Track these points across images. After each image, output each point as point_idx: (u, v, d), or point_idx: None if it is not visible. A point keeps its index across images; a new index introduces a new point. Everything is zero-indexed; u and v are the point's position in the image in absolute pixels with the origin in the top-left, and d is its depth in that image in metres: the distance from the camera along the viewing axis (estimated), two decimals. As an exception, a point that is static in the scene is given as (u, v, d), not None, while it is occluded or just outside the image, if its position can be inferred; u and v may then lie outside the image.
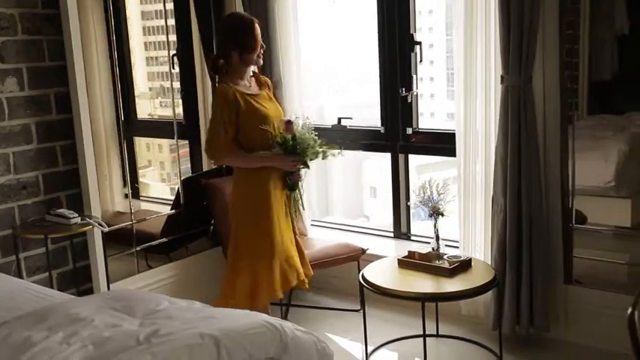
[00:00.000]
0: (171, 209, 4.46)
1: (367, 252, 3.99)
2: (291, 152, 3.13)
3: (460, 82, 3.60)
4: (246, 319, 2.16)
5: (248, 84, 3.26)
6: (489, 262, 3.50)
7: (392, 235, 4.47)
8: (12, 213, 3.55)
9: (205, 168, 4.66)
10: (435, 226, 3.38)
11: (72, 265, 3.81)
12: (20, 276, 3.55)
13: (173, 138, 4.46)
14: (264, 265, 3.18)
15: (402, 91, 4.17)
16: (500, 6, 3.24)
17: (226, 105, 3.11)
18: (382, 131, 4.33)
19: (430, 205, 3.36)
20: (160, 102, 4.72)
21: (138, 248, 4.10)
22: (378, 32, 4.24)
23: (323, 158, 3.25)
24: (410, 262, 3.37)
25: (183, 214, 4.39)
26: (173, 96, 4.57)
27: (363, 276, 3.35)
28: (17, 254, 3.55)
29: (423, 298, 3.11)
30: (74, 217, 3.51)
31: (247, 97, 3.19)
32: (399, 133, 4.26)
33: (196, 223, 4.56)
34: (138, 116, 4.57)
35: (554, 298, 3.44)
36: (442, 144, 4.07)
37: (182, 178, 4.48)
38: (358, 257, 3.99)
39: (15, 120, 3.53)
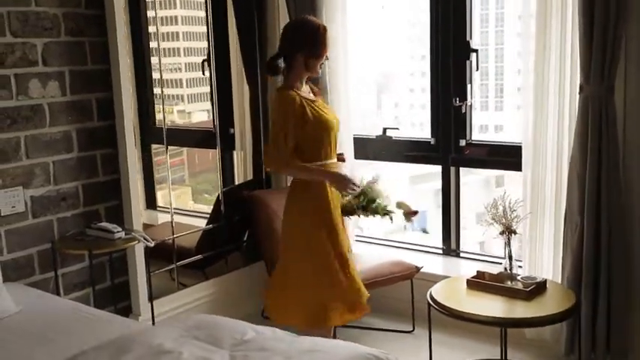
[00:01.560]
0: (209, 223, 4.23)
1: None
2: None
3: (529, 91, 3.40)
4: (349, 351, 1.94)
5: (307, 90, 3.06)
6: (560, 282, 3.29)
7: (441, 251, 4.25)
8: (51, 226, 3.30)
9: (239, 179, 4.42)
10: (508, 245, 3.16)
11: (110, 282, 3.56)
12: (58, 293, 3.31)
13: (205, 147, 4.22)
14: (333, 290, 2.98)
15: (456, 100, 3.97)
16: (581, 6, 3.03)
17: (292, 112, 2.90)
18: (432, 143, 4.12)
19: (503, 222, 3.15)
20: (186, 109, 4.50)
21: (178, 264, 3.86)
22: (431, 38, 4.03)
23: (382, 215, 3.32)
24: (480, 283, 3.15)
25: (223, 228, 4.16)
26: (212, 101, 4.29)
27: (431, 297, 3.13)
28: (56, 270, 3.30)
29: (503, 323, 2.89)
30: (118, 232, 3.26)
31: (311, 104, 2.98)
32: (451, 144, 4.05)
33: (236, 237, 4.34)
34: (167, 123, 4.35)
35: (632, 322, 3.23)
36: (501, 157, 3.88)
37: (223, 189, 4.24)
38: (412, 276, 3.77)
39: (56, 127, 3.29)
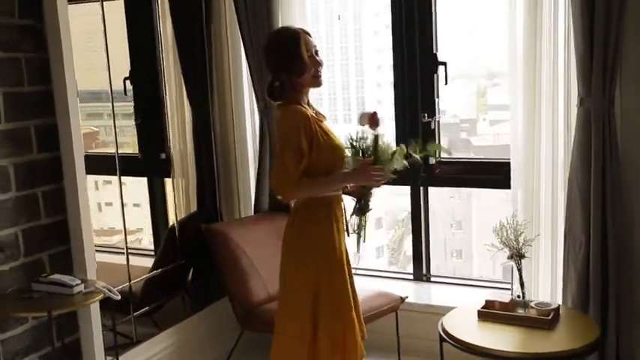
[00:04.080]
0: (159, 263, 3.71)
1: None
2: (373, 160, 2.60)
3: (517, 104, 3.24)
4: None
5: (312, 109, 2.65)
6: (563, 304, 3.13)
7: (411, 277, 4.00)
8: (-15, 284, 2.68)
9: (181, 211, 3.91)
10: (518, 270, 2.96)
11: (56, 344, 2.95)
12: (-3, 366, 2.69)
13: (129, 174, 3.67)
14: (345, 324, 2.62)
15: (425, 117, 3.74)
16: (580, 14, 2.89)
17: (303, 125, 2.48)
18: (399, 162, 3.86)
19: (512, 246, 2.94)
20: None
21: (136, 314, 3.32)
22: (394, 50, 3.79)
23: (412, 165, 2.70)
24: (495, 314, 2.91)
25: (180, 267, 3.67)
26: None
27: (445, 331, 2.85)
28: (-6, 338, 2.68)
29: (538, 359, 2.65)
30: (77, 285, 2.70)
31: (322, 125, 2.60)
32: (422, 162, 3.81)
33: (183, 277, 3.85)
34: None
35: (634, 343, 3.13)
36: (475, 174, 3.70)
37: (173, 223, 3.75)
38: (398, 307, 3.48)
39: (-11, 162, 2.69)
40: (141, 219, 3.98)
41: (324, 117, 2.68)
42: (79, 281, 2.73)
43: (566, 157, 3.15)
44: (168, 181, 4.01)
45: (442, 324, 2.92)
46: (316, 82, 2.61)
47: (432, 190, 3.91)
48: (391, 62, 3.76)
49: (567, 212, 3.12)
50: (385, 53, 3.85)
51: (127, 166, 3.51)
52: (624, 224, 3.04)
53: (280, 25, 3.60)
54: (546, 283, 3.30)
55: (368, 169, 2.56)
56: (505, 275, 4.25)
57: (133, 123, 3.74)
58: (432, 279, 3.98)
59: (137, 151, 3.86)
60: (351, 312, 2.63)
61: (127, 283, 3.34)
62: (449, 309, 3.39)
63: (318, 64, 2.59)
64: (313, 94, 2.75)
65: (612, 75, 2.93)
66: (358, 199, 2.72)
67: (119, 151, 3.44)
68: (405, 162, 2.65)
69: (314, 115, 2.58)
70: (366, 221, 2.76)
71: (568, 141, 3.15)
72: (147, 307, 3.50)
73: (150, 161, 3.93)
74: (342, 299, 2.62)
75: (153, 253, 3.92)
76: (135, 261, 3.68)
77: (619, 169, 3.01)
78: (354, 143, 2.62)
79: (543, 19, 3.10)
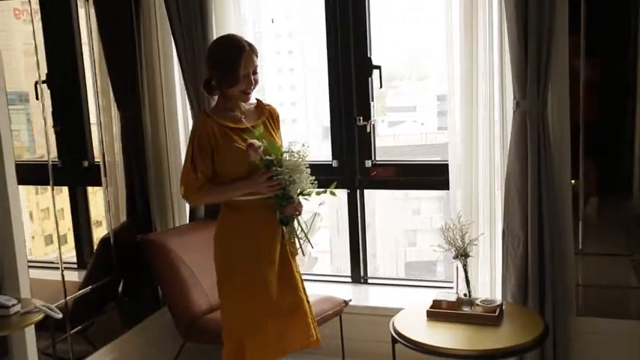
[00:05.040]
0: (92, 277, 3.53)
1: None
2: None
3: (454, 109, 3.33)
4: None
5: (240, 115, 2.69)
6: (503, 300, 3.24)
7: (350, 279, 4.02)
8: None
9: (111, 221, 3.72)
10: (464, 270, 3.03)
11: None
12: None
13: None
14: (251, 326, 2.67)
15: (360, 120, 3.78)
16: (514, 20, 3.01)
17: (198, 139, 2.63)
18: (335, 165, 3.88)
19: (457, 246, 3.01)
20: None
21: (73, 332, 3.14)
22: (329, 55, 3.80)
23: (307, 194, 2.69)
24: (443, 313, 2.97)
25: (114, 281, 3.51)
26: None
27: (397, 333, 2.89)
28: None
29: (495, 356, 2.72)
30: (14, 305, 2.53)
31: (228, 130, 2.62)
32: (356, 166, 3.84)
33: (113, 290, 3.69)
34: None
35: (570, 333, 3.28)
36: (413, 176, 3.77)
37: (104, 236, 3.58)
38: (341, 311, 3.48)
39: None
40: (62, 230, 3.78)
41: (269, 115, 2.75)
42: (16, 301, 2.55)
43: (503, 158, 3.27)
44: (93, 190, 3.85)
45: (393, 325, 2.94)
46: (243, 97, 2.69)
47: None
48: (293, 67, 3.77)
49: (505, 211, 3.23)
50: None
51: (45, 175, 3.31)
52: (557, 220, 3.18)
53: (214, 23, 3.55)
54: (485, 279, 3.40)
55: (260, 179, 2.59)
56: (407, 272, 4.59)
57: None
58: (369, 281, 4.02)
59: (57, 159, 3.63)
60: (255, 317, 2.66)
61: (62, 300, 3.14)
62: (389, 310, 3.45)
63: (250, 84, 2.64)
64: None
65: (545, 78, 3.07)
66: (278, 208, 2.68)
67: (37, 159, 3.25)
68: (312, 189, 2.67)
69: (224, 122, 2.62)
70: (297, 230, 2.72)
71: (503, 142, 3.26)
72: (79, 326, 3.31)
73: (71, 169, 3.72)
74: (245, 300, 2.67)
75: (76, 266, 3.74)
76: (56, 275, 3.49)
77: (552, 168, 3.15)
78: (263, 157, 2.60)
79: (479, 25, 3.21)
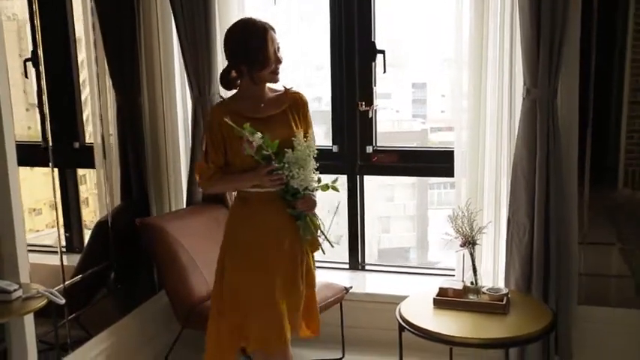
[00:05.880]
0: (88, 262, 3.43)
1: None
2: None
3: (461, 93, 3.29)
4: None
5: (260, 104, 2.61)
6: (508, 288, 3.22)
7: (347, 266, 3.98)
8: None
9: (106, 206, 3.63)
10: (472, 258, 3.01)
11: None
12: None
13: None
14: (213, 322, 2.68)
15: (362, 105, 3.73)
16: (527, 6, 2.97)
17: (210, 129, 2.62)
18: (335, 150, 3.82)
19: (464, 233, 2.98)
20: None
21: (70, 317, 3.06)
22: (332, 38, 3.74)
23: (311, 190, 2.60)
24: (450, 301, 2.95)
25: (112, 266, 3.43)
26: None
27: (405, 320, 2.86)
28: None
29: (505, 344, 2.70)
30: (15, 290, 2.44)
31: (244, 121, 2.51)
32: (357, 152, 3.80)
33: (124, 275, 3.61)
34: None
35: (571, 321, 3.29)
36: (413, 163, 3.74)
37: (100, 219, 3.48)
38: (343, 298, 3.45)
39: None
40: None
41: (294, 103, 2.65)
42: (17, 286, 2.46)
43: (510, 146, 3.24)
44: (86, 172, 3.75)
45: (400, 312, 2.92)
46: (274, 78, 2.62)
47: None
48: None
49: (511, 199, 3.21)
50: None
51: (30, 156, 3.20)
52: (563, 209, 3.17)
53: (217, 3, 3.47)
54: (488, 268, 3.39)
55: (262, 171, 2.53)
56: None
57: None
58: (367, 267, 3.99)
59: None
60: (259, 296, 2.61)
61: (61, 285, 3.05)
62: (390, 297, 3.43)
63: (279, 61, 2.59)
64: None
65: (557, 66, 3.04)
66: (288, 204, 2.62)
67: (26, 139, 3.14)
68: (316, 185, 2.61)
69: (241, 112, 2.55)
70: (314, 225, 2.65)
71: (511, 130, 3.23)
72: (77, 312, 3.22)
73: (60, 151, 3.61)
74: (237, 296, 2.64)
75: (65, 250, 3.64)
76: (51, 260, 3.39)
77: (560, 157, 3.13)
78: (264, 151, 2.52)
79: (490, 10, 3.17)
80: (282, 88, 2.68)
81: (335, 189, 2.66)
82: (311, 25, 4.02)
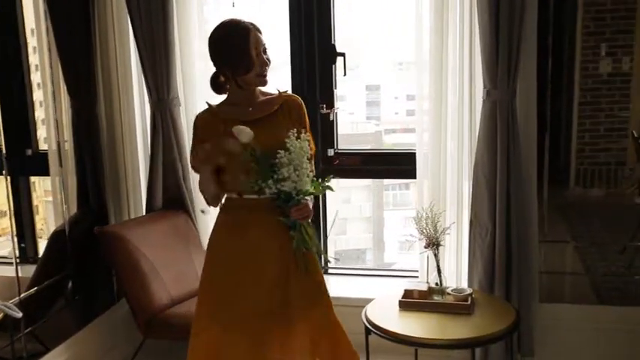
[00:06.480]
0: (44, 273, 3.33)
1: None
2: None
3: (422, 96, 3.32)
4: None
5: (249, 108, 2.50)
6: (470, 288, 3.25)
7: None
8: None
9: (63, 214, 3.53)
10: (436, 259, 3.02)
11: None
12: None
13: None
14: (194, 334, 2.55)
15: (323, 107, 3.72)
16: (487, 10, 3.01)
17: (195, 136, 2.55)
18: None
19: (428, 235, 3.00)
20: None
21: (27, 330, 2.96)
22: (292, 41, 3.72)
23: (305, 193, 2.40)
24: (416, 303, 2.96)
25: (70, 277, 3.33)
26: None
27: (371, 323, 2.85)
28: None
29: (470, 344, 2.72)
30: (-31, 305, 2.35)
31: (229, 124, 2.40)
32: (319, 155, 3.78)
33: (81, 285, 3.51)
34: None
35: (534, 319, 3.33)
36: (375, 165, 3.74)
37: (56, 229, 3.39)
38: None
39: None
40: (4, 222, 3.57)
41: (286, 107, 2.53)
42: (-28, 300, 2.37)
43: (471, 147, 3.27)
44: (35, 180, 3.64)
45: (366, 315, 2.91)
46: (261, 81, 2.49)
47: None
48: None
49: (473, 200, 3.24)
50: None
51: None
52: (524, 209, 3.22)
53: (175, 5, 3.40)
54: (451, 268, 3.41)
55: (220, 141, 2.41)
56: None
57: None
58: (330, 271, 3.97)
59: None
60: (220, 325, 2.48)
61: (17, 298, 2.95)
62: (354, 300, 3.42)
63: (265, 63, 2.46)
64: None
65: (515, 67, 3.08)
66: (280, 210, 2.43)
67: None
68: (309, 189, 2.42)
69: (227, 117, 2.45)
70: (309, 237, 2.43)
71: (472, 131, 3.27)
72: (34, 325, 3.12)
73: (11, 158, 3.49)
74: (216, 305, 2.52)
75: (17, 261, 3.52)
76: (5, 271, 3.28)
77: (520, 158, 3.17)
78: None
79: (450, 12, 3.19)
80: (276, 92, 2.57)
81: (330, 188, 2.49)
82: (271, 28, 3.98)
